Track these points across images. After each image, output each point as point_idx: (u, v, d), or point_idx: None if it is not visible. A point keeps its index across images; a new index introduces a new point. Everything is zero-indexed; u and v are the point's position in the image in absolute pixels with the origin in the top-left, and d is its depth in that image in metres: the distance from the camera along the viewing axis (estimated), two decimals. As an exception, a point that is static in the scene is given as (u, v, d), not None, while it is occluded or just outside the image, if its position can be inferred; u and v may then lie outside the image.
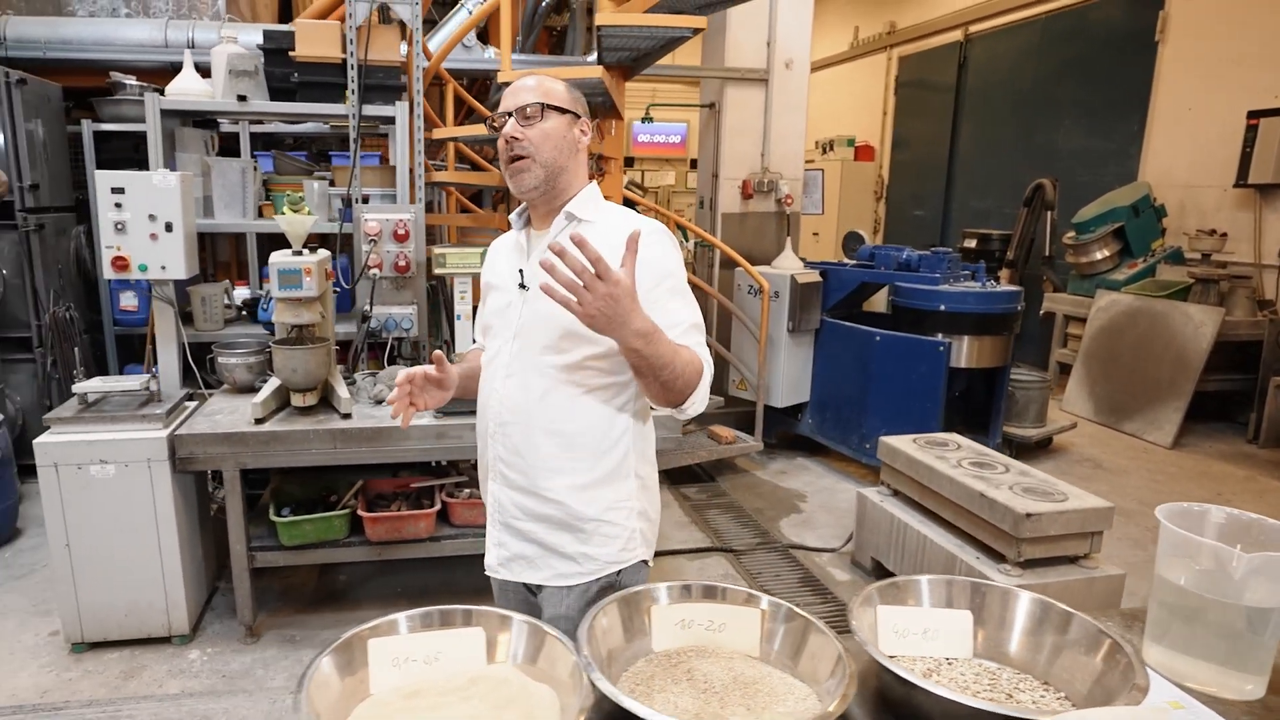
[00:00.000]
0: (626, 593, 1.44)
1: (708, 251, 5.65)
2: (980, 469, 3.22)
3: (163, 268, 3.14)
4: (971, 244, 7.16)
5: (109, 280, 4.72)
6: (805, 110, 5.52)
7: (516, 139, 1.51)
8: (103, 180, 3.05)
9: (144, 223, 3.09)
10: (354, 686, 1.28)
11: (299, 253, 2.94)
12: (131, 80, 4.64)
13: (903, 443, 3.55)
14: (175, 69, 4.75)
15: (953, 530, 3.21)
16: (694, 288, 5.13)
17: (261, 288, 4.99)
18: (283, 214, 2.93)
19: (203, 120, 4.59)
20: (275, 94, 3.65)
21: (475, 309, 2.40)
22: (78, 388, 2.94)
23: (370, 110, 3.49)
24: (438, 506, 3.06)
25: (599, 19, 3.10)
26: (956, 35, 8.35)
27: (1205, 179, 6.02)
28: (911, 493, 3.45)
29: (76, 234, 4.77)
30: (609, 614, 1.40)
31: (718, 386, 5.28)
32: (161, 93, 4.51)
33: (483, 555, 1.70)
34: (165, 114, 3.46)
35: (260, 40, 3.84)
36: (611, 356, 1.52)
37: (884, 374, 4.47)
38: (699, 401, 1.52)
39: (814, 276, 4.83)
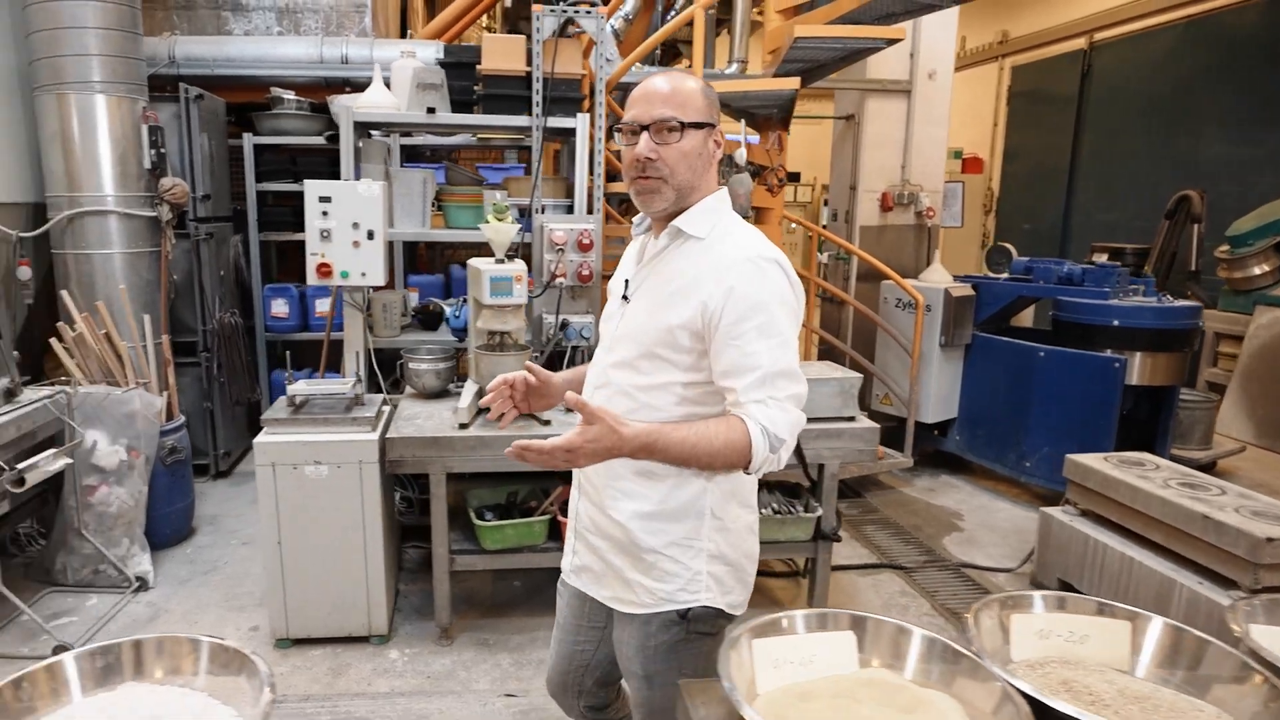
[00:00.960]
0: (1001, 596, 1.45)
1: (844, 264, 5.64)
2: (1192, 490, 3.12)
3: (363, 274, 3.28)
4: (1103, 258, 6.97)
5: (263, 288, 4.98)
6: (947, 122, 5.49)
7: (651, 160, 1.40)
8: (311, 189, 3.21)
9: (348, 230, 3.24)
10: (741, 680, 1.31)
11: (501, 261, 3.04)
12: (290, 95, 4.87)
13: (1094, 461, 3.47)
14: (329, 84, 5.00)
15: (1163, 553, 3.11)
16: (831, 299, 5.12)
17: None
18: (487, 223, 3.03)
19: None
20: (453, 106, 3.78)
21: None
22: (291, 389, 3.08)
23: (552, 122, 3.59)
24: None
25: (798, 30, 3.14)
26: (1079, 43, 8.20)
27: (1376, 190, 5.77)
28: (1108, 513, 3.36)
29: (234, 243, 5.01)
30: (990, 615, 1.41)
31: (861, 401, 5.24)
32: (321, 107, 4.74)
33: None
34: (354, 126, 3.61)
35: (435, 56, 4.00)
36: (695, 386, 1.46)
37: (1048, 391, 4.38)
38: (765, 465, 1.40)
39: (967, 290, 4.78)
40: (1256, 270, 5.96)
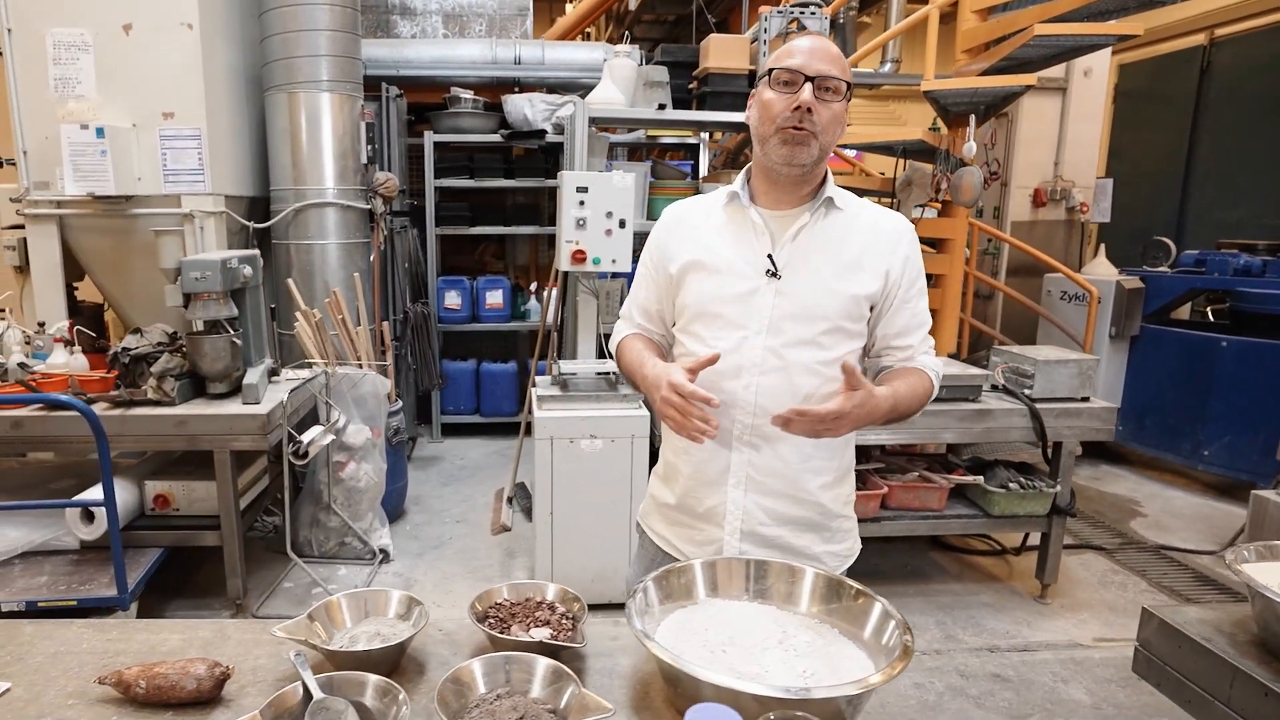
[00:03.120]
0: None
1: (992, 259, 5.85)
2: None
3: (613, 261, 3.52)
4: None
5: (438, 280, 5.27)
6: (1101, 119, 5.70)
7: (810, 112, 1.41)
8: (569, 180, 3.46)
9: (601, 219, 3.48)
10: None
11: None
12: (468, 94, 5.16)
13: (1314, 444, 3.65)
14: (499, 84, 5.29)
15: (1400, 531, 3.29)
16: (978, 293, 5.32)
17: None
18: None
19: (532, 131, 5.08)
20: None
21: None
22: (559, 368, 3.34)
23: None
24: (884, 490, 3.33)
25: (1038, 29, 3.35)
26: (1198, 39, 8.35)
27: None
28: (1331, 494, 3.54)
29: (412, 236, 5.30)
30: None
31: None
32: (493, 105, 5.05)
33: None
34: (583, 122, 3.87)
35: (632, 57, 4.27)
36: (858, 350, 1.56)
37: (1230, 381, 4.55)
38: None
39: (1136, 283, 4.97)
40: (1403, 265, 6.08)
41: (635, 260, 3.45)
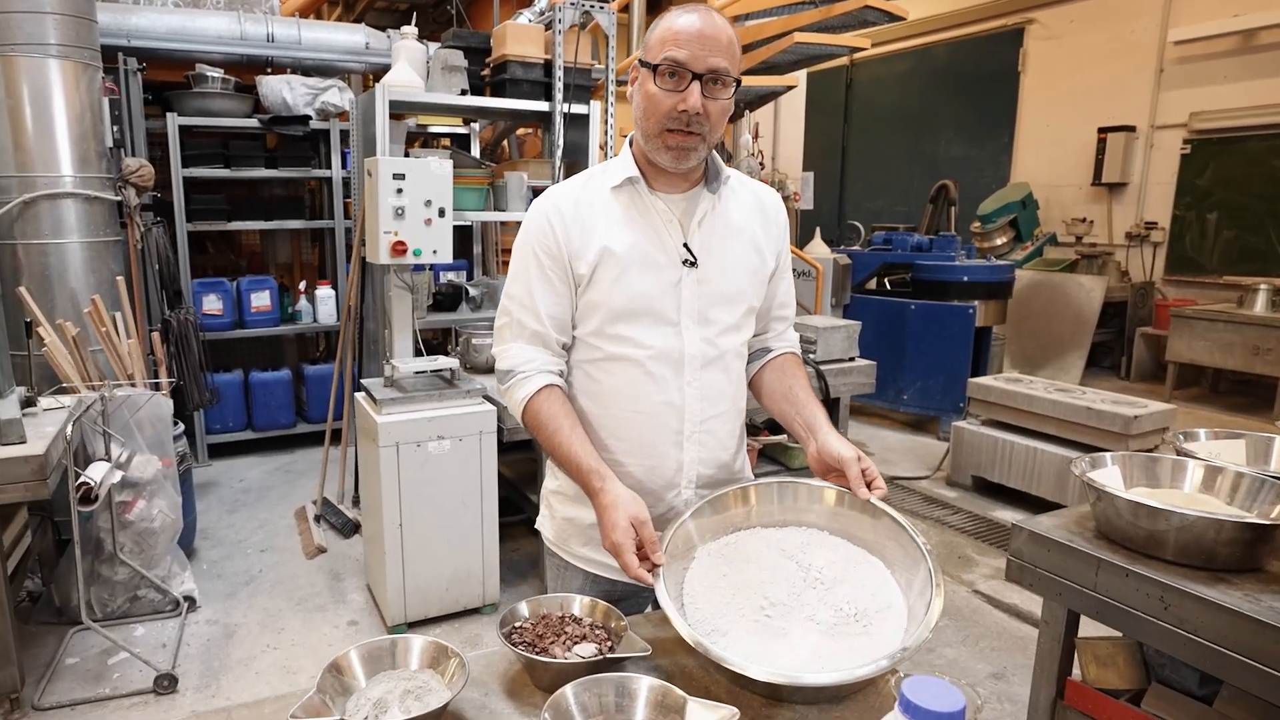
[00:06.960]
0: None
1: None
2: (1065, 393, 4.18)
3: (434, 252, 3.20)
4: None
5: (193, 283, 4.46)
6: (803, 121, 6.35)
7: (699, 115, 1.22)
8: (385, 166, 3.07)
9: (420, 209, 3.14)
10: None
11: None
12: (218, 73, 4.37)
13: (990, 381, 4.44)
14: (249, 63, 4.60)
15: (1055, 441, 4.11)
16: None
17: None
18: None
19: (295, 117, 4.48)
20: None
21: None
22: (392, 368, 2.98)
23: (555, 108, 3.72)
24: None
25: (797, 37, 3.63)
26: (843, 60, 9.67)
27: (1065, 180, 7.70)
28: (1006, 418, 4.32)
29: (158, 234, 4.37)
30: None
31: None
32: (250, 88, 4.39)
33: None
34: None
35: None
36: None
37: (919, 336, 5.38)
38: None
39: (846, 260, 5.66)
40: (999, 240, 7.64)
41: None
